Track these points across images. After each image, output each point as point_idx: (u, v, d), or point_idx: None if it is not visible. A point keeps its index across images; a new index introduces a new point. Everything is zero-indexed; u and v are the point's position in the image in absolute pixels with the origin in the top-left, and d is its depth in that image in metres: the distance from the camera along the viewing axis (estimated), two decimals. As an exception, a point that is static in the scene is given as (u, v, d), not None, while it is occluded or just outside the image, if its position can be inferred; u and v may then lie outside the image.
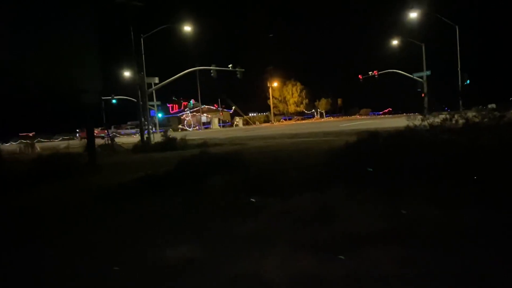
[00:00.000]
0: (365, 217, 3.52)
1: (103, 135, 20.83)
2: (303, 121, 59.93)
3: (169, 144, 14.17)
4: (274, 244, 2.98)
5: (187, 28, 25.73)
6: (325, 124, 36.50)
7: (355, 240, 2.98)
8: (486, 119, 4.97)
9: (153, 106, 35.61)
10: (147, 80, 21.52)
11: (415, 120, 5.22)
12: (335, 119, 59.39)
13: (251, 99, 71.47)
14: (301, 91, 72.64)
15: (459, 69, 32.58)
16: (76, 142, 29.72)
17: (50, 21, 8.91)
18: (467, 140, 4.29)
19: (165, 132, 17.06)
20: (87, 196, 5.35)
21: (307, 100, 73.23)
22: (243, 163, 6.71)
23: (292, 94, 72.76)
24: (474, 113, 5.22)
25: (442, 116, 5.28)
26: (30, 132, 52.36)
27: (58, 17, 9.06)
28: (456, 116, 5.18)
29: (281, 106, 73.10)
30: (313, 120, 64.24)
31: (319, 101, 73.82)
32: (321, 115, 70.80)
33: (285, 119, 68.84)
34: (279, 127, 40.56)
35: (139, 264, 2.81)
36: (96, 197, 5.18)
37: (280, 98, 72.77)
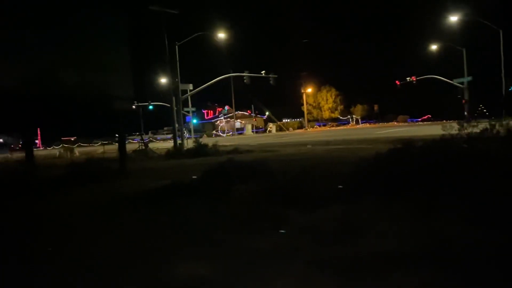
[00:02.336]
0: (395, 234, 3.29)
1: (137, 139, 21.23)
2: (338, 128, 59.02)
3: (200, 150, 14.22)
4: (292, 263, 2.81)
5: (221, 35, 25.94)
6: (360, 130, 35.77)
7: (381, 261, 2.75)
8: (531, 129, 4.59)
9: (188, 112, 36.07)
10: (182, 86, 21.79)
11: (451, 129, 4.89)
12: (371, 125, 58.11)
13: (285, 105, 71.17)
14: (336, 97, 71.62)
15: (502, 75, 31.10)
16: (113, 147, 30.48)
17: (84, 29, 9.12)
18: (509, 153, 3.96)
19: (197, 138, 17.16)
20: (109, 202, 5.35)
21: (342, 106, 72.08)
22: (270, 172, 6.57)
23: (327, 100, 71.85)
24: (518, 123, 4.84)
25: (481, 126, 4.91)
26: (72, 136, 54.41)
27: (92, 25, 9.26)
28: (497, 125, 4.81)
29: (315, 112, 72.36)
30: (348, 126, 63.16)
31: (354, 107, 72.50)
32: (357, 122, 69.47)
33: (319, 125, 68.02)
34: (312, 133, 40.11)
35: (146, 284, 2.69)
36: (117, 203, 5.17)
37: (314, 104, 72.06)
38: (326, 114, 72.28)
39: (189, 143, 18.75)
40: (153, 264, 3.00)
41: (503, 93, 30.61)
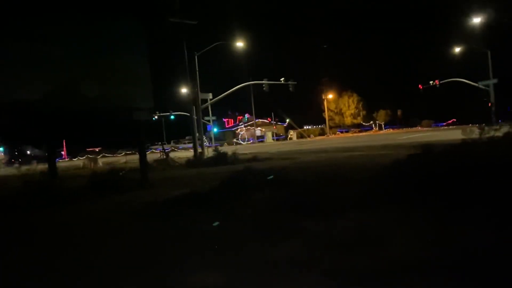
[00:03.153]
0: (414, 243, 3.20)
1: (159, 149, 21.47)
2: (361, 134, 58.32)
3: (220, 158, 14.27)
4: (308, 273, 2.76)
5: (239, 44, 26.13)
6: (383, 136, 35.24)
7: (400, 270, 2.68)
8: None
9: (209, 121, 36.35)
10: (201, 96, 21.99)
11: (472, 133, 4.74)
12: (395, 131, 57.15)
13: (306, 112, 70.90)
14: (358, 103, 70.85)
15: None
16: (136, 157, 30.91)
17: (104, 42, 9.30)
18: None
19: (217, 147, 17.23)
20: (129, 212, 5.41)
21: (364, 112, 71.23)
22: (288, 180, 6.52)
23: (349, 106, 71.17)
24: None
25: (504, 129, 4.74)
26: (97, 147, 55.47)
27: (112, 38, 9.45)
28: (521, 128, 4.63)
29: (337, 118, 71.75)
30: (371, 132, 62.33)
31: (377, 112, 71.55)
32: (380, 127, 68.47)
33: (341, 132, 67.38)
34: (334, 140, 39.76)
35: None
36: (136, 213, 5.22)
37: (336, 110, 71.49)
38: (348, 120, 71.54)
39: (209, 152, 18.85)
40: (161, 273, 3.00)
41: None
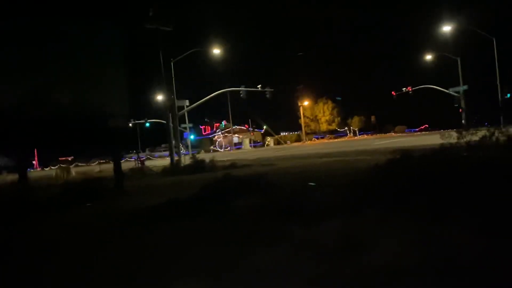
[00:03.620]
0: (397, 246, 3.18)
1: (134, 157, 21.11)
2: (336, 140, 58.97)
3: (198, 166, 14.10)
4: (292, 280, 2.69)
5: (216, 51, 26.04)
6: (358, 142, 35.71)
7: (385, 275, 2.65)
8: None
9: (185, 128, 36.00)
10: (178, 103, 21.75)
11: (450, 138, 4.81)
12: (369, 137, 58.07)
13: (282, 118, 71.26)
14: (332, 109, 71.72)
15: (498, 82, 31.23)
16: (110, 166, 30.28)
17: (79, 48, 9.09)
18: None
19: (194, 154, 17.06)
20: (103, 222, 5.22)
21: (339, 118, 72.14)
22: (269, 186, 6.47)
23: (324, 112, 71.94)
24: (517, 129, 4.76)
25: (480, 133, 4.82)
26: (69, 156, 54.16)
27: (86, 44, 9.23)
28: (496, 133, 4.73)
29: (312, 125, 72.38)
30: (346, 138, 63.13)
31: (351, 118, 72.60)
32: (354, 133, 69.46)
33: (317, 138, 67.97)
34: (310, 146, 40.03)
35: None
36: (111, 223, 5.04)
37: (311, 117, 72.13)
38: (324, 127, 72.33)
39: (186, 160, 18.62)
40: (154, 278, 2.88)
41: (500, 100, 30.69)
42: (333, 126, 72.15)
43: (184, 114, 30.45)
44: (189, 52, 23.49)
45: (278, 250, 3.34)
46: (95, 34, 9.45)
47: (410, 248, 3.08)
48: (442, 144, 4.81)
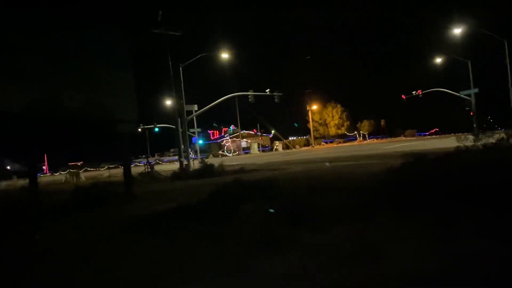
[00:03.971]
0: (411, 254, 3.07)
1: (143, 162, 21.13)
2: (345, 144, 58.69)
3: (206, 170, 14.05)
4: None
5: (224, 55, 26.05)
6: (367, 146, 35.44)
7: (399, 284, 2.54)
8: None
9: (194, 133, 36.10)
10: (187, 107, 21.78)
11: (466, 140, 4.68)
12: (379, 141, 57.70)
13: (291, 123, 71.22)
14: (341, 113, 71.52)
15: (510, 85, 30.80)
16: (120, 171, 30.39)
17: (88, 53, 9.09)
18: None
19: (203, 159, 17.02)
20: (112, 228, 5.17)
21: (348, 122, 71.90)
22: (278, 191, 6.37)
23: (333, 116, 71.75)
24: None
25: (496, 136, 4.70)
26: (79, 161, 54.48)
27: (95, 49, 9.24)
28: (513, 135, 4.60)
29: (321, 129, 72.19)
30: (355, 142, 62.82)
31: (361, 122, 72.33)
32: (364, 137, 69.13)
33: (326, 142, 67.76)
34: (319, 150, 39.83)
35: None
36: (119, 229, 4.98)
37: (320, 121, 71.96)
38: (333, 131, 72.09)
39: (195, 164, 18.60)
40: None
41: (511, 103, 30.24)
42: (342, 130, 71.87)
43: (193, 119, 30.54)
44: (197, 56, 23.55)
45: (285, 257, 3.25)
46: (104, 39, 9.47)
47: (421, 255, 2.98)
48: (457, 147, 4.69)
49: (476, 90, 37.54)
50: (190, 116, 24.45)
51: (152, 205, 6.84)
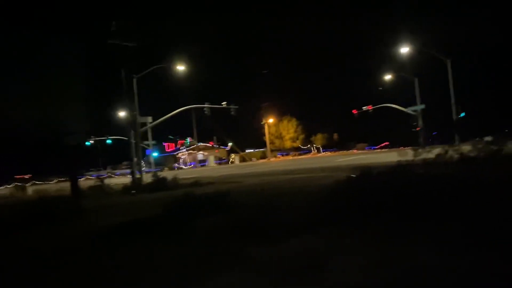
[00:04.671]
0: (360, 265, 3.18)
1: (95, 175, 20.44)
2: (300, 157, 59.66)
3: (159, 184, 13.80)
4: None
5: (180, 67, 25.88)
6: (321, 159, 36.22)
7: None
8: (482, 153, 4.70)
9: (148, 145, 35.38)
10: (140, 119, 21.33)
11: (407, 155, 4.94)
12: (332, 154, 59.17)
13: (247, 136, 71.40)
14: (297, 127, 72.72)
15: (452, 102, 32.67)
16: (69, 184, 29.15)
17: (37, 63, 8.79)
18: (463, 176, 4.01)
19: (156, 172, 16.71)
20: (58, 246, 4.96)
21: (303, 136, 73.17)
22: (232, 204, 6.38)
23: (288, 130, 72.79)
24: (469, 147, 4.95)
25: (436, 151, 4.99)
26: (27, 174, 51.75)
27: (44, 59, 8.95)
28: (450, 150, 4.90)
29: (277, 142, 72.94)
30: (310, 155, 64.02)
31: (315, 136, 73.84)
32: (318, 150, 70.56)
33: (282, 155, 68.53)
34: (275, 163, 40.24)
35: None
36: (66, 247, 4.79)
37: (276, 134, 72.72)
38: (288, 144, 73.09)
39: (148, 178, 18.24)
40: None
41: (454, 119, 32.07)
42: (297, 143, 73.05)
43: (147, 131, 29.93)
44: (152, 68, 23.24)
45: (237, 272, 3.26)
46: (54, 49, 9.18)
47: (369, 265, 3.09)
48: (399, 161, 4.94)
49: (423, 106, 39.46)
50: (144, 128, 23.99)
51: (99, 221, 6.63)
